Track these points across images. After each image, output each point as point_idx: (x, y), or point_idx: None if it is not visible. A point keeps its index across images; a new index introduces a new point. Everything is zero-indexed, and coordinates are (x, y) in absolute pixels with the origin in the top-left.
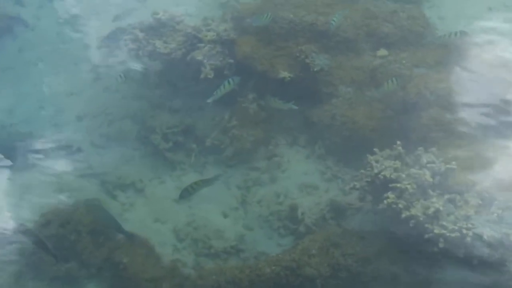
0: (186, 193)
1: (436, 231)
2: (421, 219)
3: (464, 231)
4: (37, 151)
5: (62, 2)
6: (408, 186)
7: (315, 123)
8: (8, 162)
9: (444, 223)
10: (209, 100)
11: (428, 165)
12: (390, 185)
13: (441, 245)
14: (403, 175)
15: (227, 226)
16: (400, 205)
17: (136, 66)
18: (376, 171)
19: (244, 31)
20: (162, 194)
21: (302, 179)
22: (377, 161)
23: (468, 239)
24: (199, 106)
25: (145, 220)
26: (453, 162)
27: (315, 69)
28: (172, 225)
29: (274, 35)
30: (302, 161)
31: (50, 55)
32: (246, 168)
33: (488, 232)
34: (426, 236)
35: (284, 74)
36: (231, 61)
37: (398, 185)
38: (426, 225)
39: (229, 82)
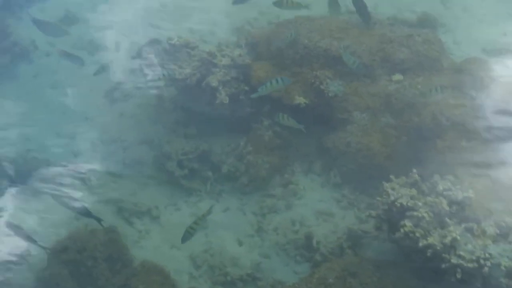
0: (188, 236)
1: (453, 260)
2: (438, 248)
3: (482, 261)
4: (54, 178)
5: (77, 28)
6: (425, 215)
7: (330, 150)
8: (26, 189)
9: (462, 252)
10: (253, 96)
11: (445, 192)
12: (407, 213)
13: (458, 275)
14: (420, 203)
15: (243, 253)
16: (417, 234)
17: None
18: (392, 198)
19: (259, 57)
20: (178, 220)
21: (317, 206)
22: (393, 189)
23: (486, 269)
24: (214, 132)
25: (161, 247)
26: (470, 190)
27: (330, 95)
28: (188, 252)
29: (288, 60)
30: (318, 189)
31: (66, 81)
32: (261, 195)
33: (506, 262)
34: (444, 266)
35: (299, 99)
36: (246, 87)
37: (415, 213)
38: (444, 255)
39: (277, 81)
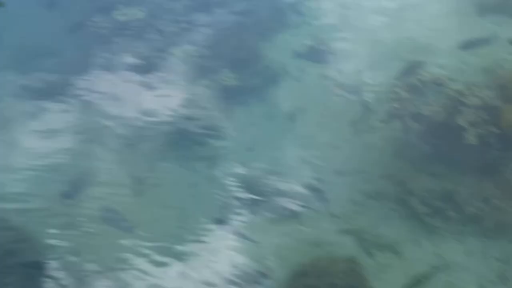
0: None
1: None
2: None
3: None
4: (295, 199)
5: (328, 59)
6: None
7: None
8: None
9: None
10: None
11: None
12: None
13: None
14: None
15: None
16: None
17: None
18: None
19: (509, 99)
20: (419, 257)
21: None
22: None
23: None
24: (460, 172)
25: (400, 282)
26: None
27: None
28: None
29: None
30: None
31: (313, 107)
32: (506, 241)
33: None
34: None
35: None
36: (495, 129)
37: None
38: None
39: None
